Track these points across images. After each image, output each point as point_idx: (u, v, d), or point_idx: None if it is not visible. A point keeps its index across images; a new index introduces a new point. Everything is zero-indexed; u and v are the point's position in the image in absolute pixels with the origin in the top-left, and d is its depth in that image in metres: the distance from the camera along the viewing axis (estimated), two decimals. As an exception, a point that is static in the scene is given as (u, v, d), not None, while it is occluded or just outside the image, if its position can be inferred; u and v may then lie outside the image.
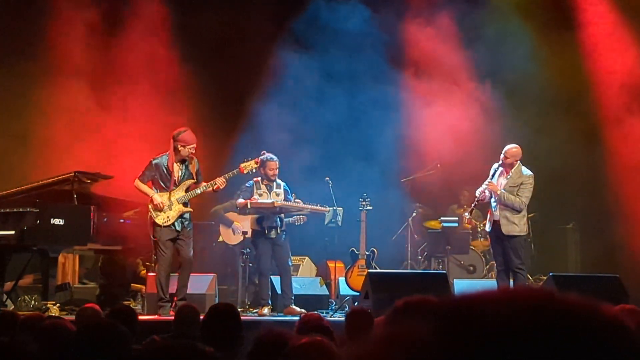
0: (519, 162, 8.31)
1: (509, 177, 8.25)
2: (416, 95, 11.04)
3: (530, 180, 8.23)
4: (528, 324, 0.70)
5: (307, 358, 2.45)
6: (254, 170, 8.50)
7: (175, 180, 8.11)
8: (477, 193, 8.39)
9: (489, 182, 8.29)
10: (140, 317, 5.21)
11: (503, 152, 8.29)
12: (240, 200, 8.66)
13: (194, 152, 8.13)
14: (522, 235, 8.31)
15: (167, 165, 8.10)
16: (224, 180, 8.16)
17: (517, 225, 8.18)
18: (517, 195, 8.15)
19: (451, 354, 0.70)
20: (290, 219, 8.99)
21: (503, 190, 8.17)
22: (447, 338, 0.71)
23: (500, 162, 8.29)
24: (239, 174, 8.38)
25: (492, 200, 8.32)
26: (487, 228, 8.48)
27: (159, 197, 8.02)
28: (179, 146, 8.03)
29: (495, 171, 8.34)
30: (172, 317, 5.65)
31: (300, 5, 11.52)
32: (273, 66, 11.29)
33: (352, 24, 11.29)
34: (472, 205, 8.56)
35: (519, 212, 8.18)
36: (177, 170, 8.13)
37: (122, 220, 8.72)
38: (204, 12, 11.30)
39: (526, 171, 8.29)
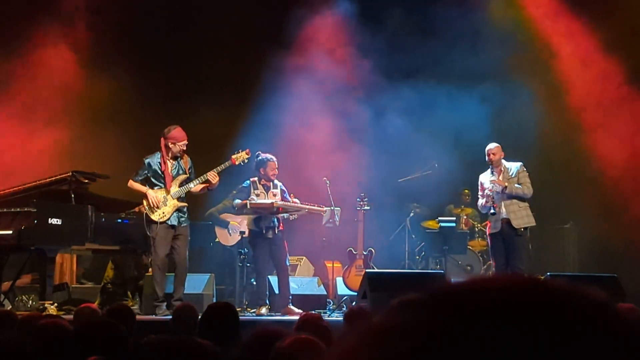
0: (502, 159, 8.47)
1: (503, 173, 8.41)
2: (416, 97, 11.03)
3: (524, 169, 8.56)
4: (512, 307, 0.70)
5: (295, 356, 2.44)
6: (246, 162, 8.51)
7: (168, 177, 8.14)
8: (479, 205, 8.54)
9: (492, 180, 8.39)
10: (138, 317, 5.20)
11: (487, 151, 8.46)
12: (238, 201, 8.64)
13: (185, 148, 8.19)
14: (530, 226, 8.48)
15: (160, 163, 8.14)
16: (215, 173, 8.18)
17: (526, 217, 8.41)
18: (522, 184, 8.39)
19: (435, 338, 0.70)
20: (285, 214, 8.98)
21: (513, 184, 8.34)
22: (431, 323, 0.71)
23: (489, 162, 8.44)
24: (230, 166, 8.39)
25: (491, 209, 8.38)
26: (492, 230, 8.50)
27: (153, 192, 8.07)
28: (170, 143, 8.12)
29: (483, 183, 8.49)
30: (170, 317, 5.65)
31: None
32: (270, 67, 11.28)
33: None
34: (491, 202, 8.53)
35: (525, 200, 8.40)
36: (170, 167, 8.19)
37: (120, 220, 8.71)
38: (204, 13, 11.31)
39: (515, 163, 8.57)
